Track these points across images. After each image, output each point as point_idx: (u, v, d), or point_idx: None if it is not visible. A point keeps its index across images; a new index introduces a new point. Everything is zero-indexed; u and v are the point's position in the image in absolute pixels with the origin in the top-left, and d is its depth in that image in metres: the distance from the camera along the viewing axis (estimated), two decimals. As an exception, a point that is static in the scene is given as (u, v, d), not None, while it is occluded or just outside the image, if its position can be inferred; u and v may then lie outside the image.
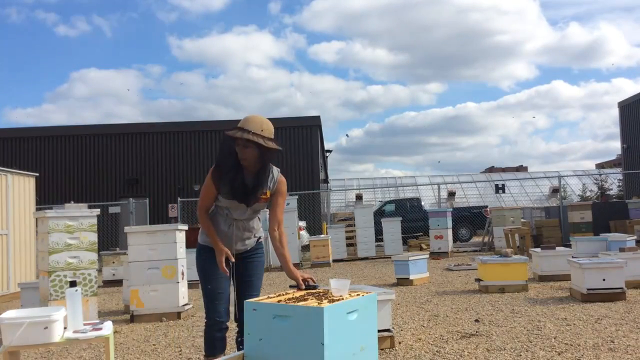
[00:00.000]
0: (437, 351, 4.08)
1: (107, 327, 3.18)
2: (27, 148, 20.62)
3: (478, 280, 6.93)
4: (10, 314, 2.94)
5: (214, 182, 3.00)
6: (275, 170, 3.12)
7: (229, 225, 3.07)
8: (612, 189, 29.64)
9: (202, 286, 3.10)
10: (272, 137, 2.96)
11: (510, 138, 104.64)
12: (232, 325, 3.13)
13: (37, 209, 9.62)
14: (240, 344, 3.09)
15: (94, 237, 5.80)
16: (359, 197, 26.15)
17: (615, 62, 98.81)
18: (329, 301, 2.28)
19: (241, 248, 3.13)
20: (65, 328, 3.07)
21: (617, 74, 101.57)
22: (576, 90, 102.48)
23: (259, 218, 3.21)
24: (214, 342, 3.07)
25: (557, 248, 7.80)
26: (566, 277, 6.90)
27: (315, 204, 19.06)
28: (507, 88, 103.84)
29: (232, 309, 3.13)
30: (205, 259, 3.07)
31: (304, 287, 2.80)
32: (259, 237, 3.23)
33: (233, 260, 3.01)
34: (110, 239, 15.18)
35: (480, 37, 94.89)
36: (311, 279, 2.87)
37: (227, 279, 3.08)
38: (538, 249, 7.88)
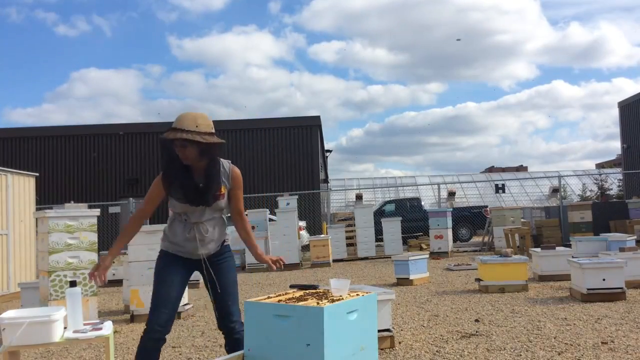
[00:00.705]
0: (437, 351, 4.08)
1: (107, 327, 3.18)
2: (27, 148, 20.62)
3: (478, 280, 6.93)
4: (10, 314, 2.94)
5: (165, 190, 2.87)
6: (227, 163, 2.97)
7: (189, 230, 2.91)
8: (612, 189, 29.64)
9: (153, 291, 2.93)
10: (211, 130, 2.80)
11: (510, 138, 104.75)
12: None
13: (37, 209, 9.62)
14: (227, 350, 3.04)
15: (94, 237, 5.81)
16: (359, 197, 26.14)
17: (617, 60, 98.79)
18: (329, 301, 2.28)
19: (205, 252, 2.97)
20: (65, 328, 3.07)
21: (617, 74, 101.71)
22: (576, 90, 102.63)
23: (223, 218, 3.06)
24: (146, 352, 2.83)
25: (557, 248, 7.80)
26: (566, 277, 6.90)
27: (315, 203, 19.06)
28: (507, 88, 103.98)
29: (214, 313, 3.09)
30: (161, 263, 2.96)
31: (275, 268, 2.93)
32: (224, 241, 3.08)
33: (99, 283, 2.88)
34: (110, 239, 15.17)
35: (481, 37, 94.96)
36: (281, 259, 2.97)
37: (178, 288, 2.93)
38: (538, 249, 7.88)
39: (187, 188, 2.84)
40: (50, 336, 2.82)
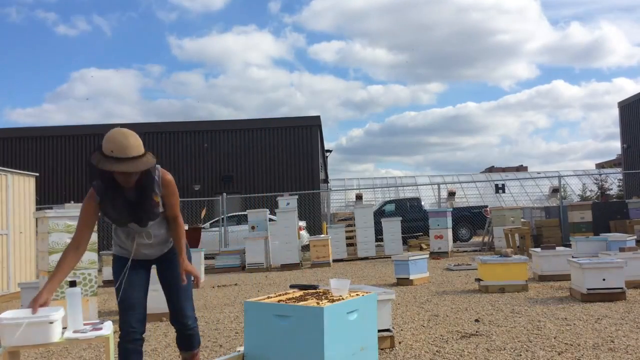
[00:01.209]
0: (437, 351, 4.08)
1: (107, 327, 3.17)
2: (27, 148, 20.63)
3: (478, 280, 6.93)
4: (9, 314, 2.94)
5: (102, 211, 2.81)
6: (156, 170, 2.83)
7: (132, 238, 2.93)
8: (612, 189, 29.63)
9: (116, 296, 2.98)
10: (144, 148, 2.70)
11: (511, 138, 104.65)
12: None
13: (37, 209, 9.62)
14: (179, 345, 3.07)
15: (94, 237, 5.80)
16: (359, 197, 26.13)
17: (618, 60, 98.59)
18: (329, 301, 2.28)
19: (154, 254, 3.01)
20: (65, 328, 3.07)
21: (618, 74, 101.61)
22: (577, 90, 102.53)
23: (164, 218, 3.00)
24: (127, 355, 2.88)
25: (557, 248, 7.80)
26: (566, 277, 6.90)
27: (315, 203, 19.06)
28: (507, 88, 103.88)
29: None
30: (116, 268, 2.99)
31: (184, 281, 2.87)
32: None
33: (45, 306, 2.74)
34: (110, 238, 15.15)
35: (481, 37, 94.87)
36: (198, 279, 2.93)
37: (140, 287, 2.94)
38: (538, 249, 7.87)
39: (121, 210, 2.76)
40: (49, 336, 2.81)
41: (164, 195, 2.87)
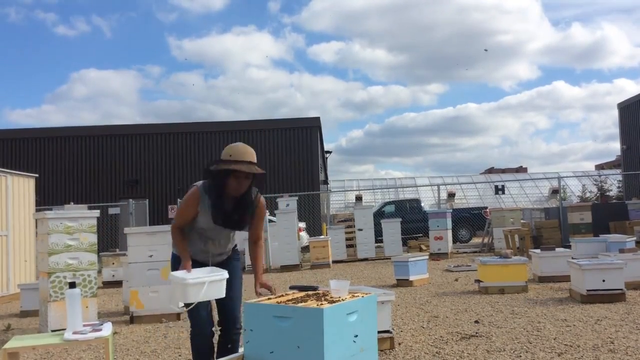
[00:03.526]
0: (436, 352, 4.08)
1: (107, 328, 3.18)
2: (27, 149, 20.61)
3: (478, 281, 6.93)
4: (185, 275, 2.92)
5: (197, 206, 2.97)
6: (254, 192, 3.05)
7: (204, 243, 3.08)
8: (611, 190, 29.64)
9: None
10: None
11: (511, 139, 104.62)
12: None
13: (37, 210, 9.62)
14: (220, 348, 3.11)
15: (93, 238, 5.80)
16: (358, 198, 26.13)
17: (619, 61, 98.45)
18: (329, 302, 2.28)
19: (218, 260, 3.16)
20: (64, 329, 3.07)
21: (618, 75, 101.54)
22: (577, 90, 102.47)
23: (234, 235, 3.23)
24: (199, 349, 3.08)
25: (557, 249, 7.80)
26: (566, 278, 6.90)
27: (315, 205, 19.06)
28: (508, 88, 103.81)
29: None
30: (177, 267, 3.06)
31: (257, 295, 2.89)
32: (234, 246, 3.28)
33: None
34: (110, 240, 15.17)
35: (482, 37, 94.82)
36: (273, 289, 2.91)
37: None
38: (538, 250, 7.88)
39: (216, 213, 2.94)
40: (222, 292, 2.86)
41: (255, 215, 3.08)
